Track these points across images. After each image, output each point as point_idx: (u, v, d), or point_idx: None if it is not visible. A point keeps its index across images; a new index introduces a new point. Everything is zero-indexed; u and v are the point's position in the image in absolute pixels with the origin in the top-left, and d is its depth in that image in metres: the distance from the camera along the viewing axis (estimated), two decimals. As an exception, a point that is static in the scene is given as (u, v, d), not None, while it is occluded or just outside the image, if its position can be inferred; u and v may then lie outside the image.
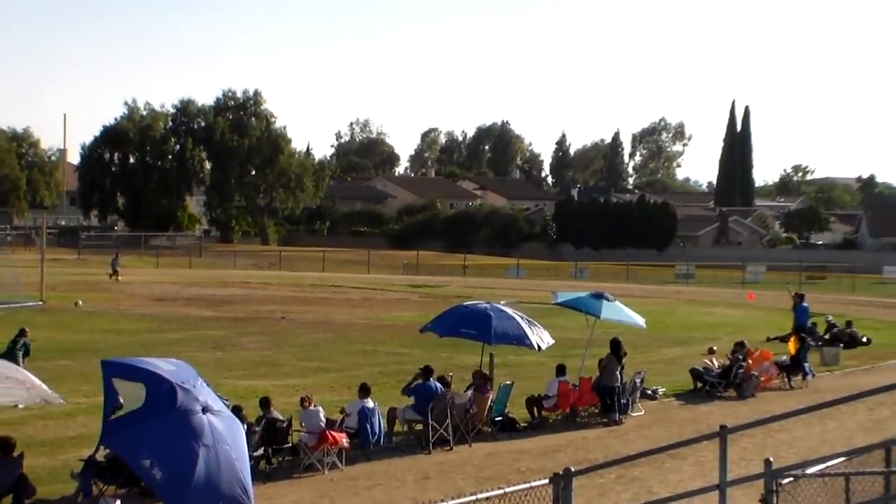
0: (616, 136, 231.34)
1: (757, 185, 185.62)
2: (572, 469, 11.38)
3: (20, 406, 18.55)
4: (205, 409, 15.20)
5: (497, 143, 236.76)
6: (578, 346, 30.53)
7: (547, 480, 11.24)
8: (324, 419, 20.27)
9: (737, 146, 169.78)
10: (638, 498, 17.33)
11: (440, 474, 19.84)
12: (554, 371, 26.02)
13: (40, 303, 48.58)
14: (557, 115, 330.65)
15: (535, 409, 25.12)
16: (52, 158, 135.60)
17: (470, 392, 23.39)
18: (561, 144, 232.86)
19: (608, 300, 27.94)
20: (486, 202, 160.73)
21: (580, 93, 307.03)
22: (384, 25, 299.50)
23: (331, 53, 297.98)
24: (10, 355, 25.58)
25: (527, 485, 11.24)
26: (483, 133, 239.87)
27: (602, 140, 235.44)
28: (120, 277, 68.35)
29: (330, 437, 19.78)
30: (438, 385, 22.65)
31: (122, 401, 15.46)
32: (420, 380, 22.76)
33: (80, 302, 50.09)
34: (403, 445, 22.03)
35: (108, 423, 15.60)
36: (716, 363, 30.67)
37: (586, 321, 27.84)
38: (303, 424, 20.24)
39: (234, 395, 22.86)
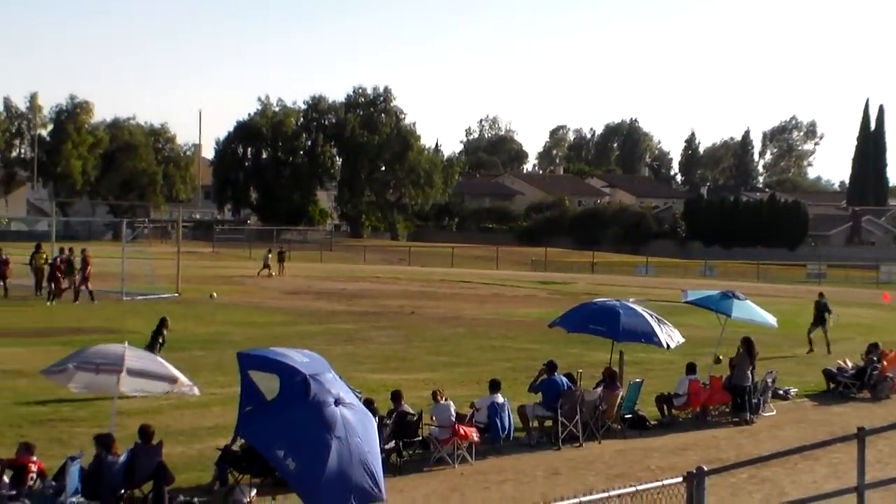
0: (746, 135, 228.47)
1: (891, 184, 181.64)
2: (705, 468, 11.34)
3: (159, 395, 18.96)
4: (337, 402, 15.40)
5: (625, 140, 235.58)
6: (708, 345, 30.30)
7: (680, 479, 11.22)
8: (454, 414, 20.42)
9: (870, 145, 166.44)
10: (770, 499, 17.18)
11: (570, 470, 19.85)
12: (684, 369, 25.83)
13: (176, 295, 49.59)
14: (687, 113, 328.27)
15: (665, 407, 24.98)
16: (188, 153, 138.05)
17: (600, 389, 23.35)
18: (690, 142, 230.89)
19: (739, 299, 27.69)
20: (615, 200, 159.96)
21: (710, 90, 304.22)
22: (514, 23, 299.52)
23: (461, 50, 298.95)
24: (151, 346, 26.20)
25: (659, 483, 11.22)
26: (611, 130, 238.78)
27: (732, 138, 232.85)
28: (273, 273, 68.78)
29: (460, 431, 19.91)
30: (564, 379, 22.65)
31: (258, 391, 15.75)
32: (545, 375, 22.78)
33: (215, 294, 50.99)
34: (533, 441, 22.06)
35: (244, 413, 15.90)
36: (849, 364, 30.19)
37: (717, 320, 27.60)
38: (433, 418, 20.40)
39: (365, 388, 23.10)
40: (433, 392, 21.31)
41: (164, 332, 27.75)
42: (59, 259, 46.66)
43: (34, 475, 15.45)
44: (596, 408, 22.71)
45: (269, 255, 70.64)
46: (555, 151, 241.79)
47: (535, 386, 22.85)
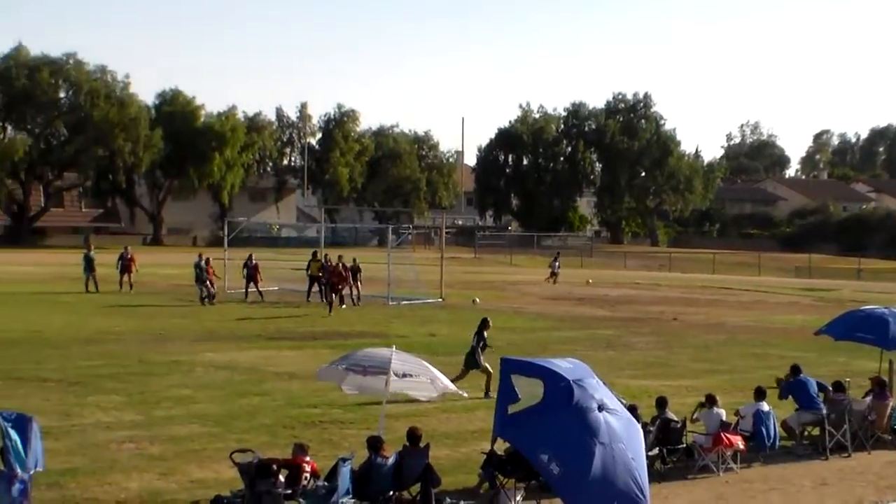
0: None
1: None
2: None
3: (425, 399, 19.38)
4: (601, 407, 15.48)
5: (892, 144, 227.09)
6: None
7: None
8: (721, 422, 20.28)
9: None
10: None
11: (838, 481, 19.40)
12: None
13: (440, 300, 50.51)
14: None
15: (940, 419, 24.09)
16: (451, 160, 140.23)
17: (868, 398, 22.73)
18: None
19: None
20: (881, 205, 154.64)
21: None
22: (774, 26, 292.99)
23: (722, 55, 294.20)
24: (474, 349, 26.78)
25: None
26: (877, 135, 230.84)
27: None
28: (556, 281, 69.09)
29: (725, 439, 19.73)
30: (813, 380, 22.21)
31: (519, 396, 15.96)
32: (790, 378, 22.41)
33: (477, 300, 51.65)
34: (799, 450, 21.65)
35: (505, 416, 16.14)
36: None
37: None
38: (703, 423, 20.31)
39: (627, 394, 23.07)
40: (708, 396, 21.10)
41: (484, 334, 27.97)
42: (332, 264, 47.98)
43: (308, 475, 15.97)
44: (865, 418, 22.11)
45: (557, 262, 71.07)
46: (818, 156, 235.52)
47: (783, 391, 22.48)
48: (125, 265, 50.50)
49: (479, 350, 26.95)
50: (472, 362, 26.78)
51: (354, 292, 47.82)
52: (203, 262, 47.07)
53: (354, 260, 48.93)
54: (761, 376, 28.13)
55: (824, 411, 21.59)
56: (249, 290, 48.81)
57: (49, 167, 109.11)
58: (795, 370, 22.58)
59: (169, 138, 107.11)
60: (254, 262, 49.31)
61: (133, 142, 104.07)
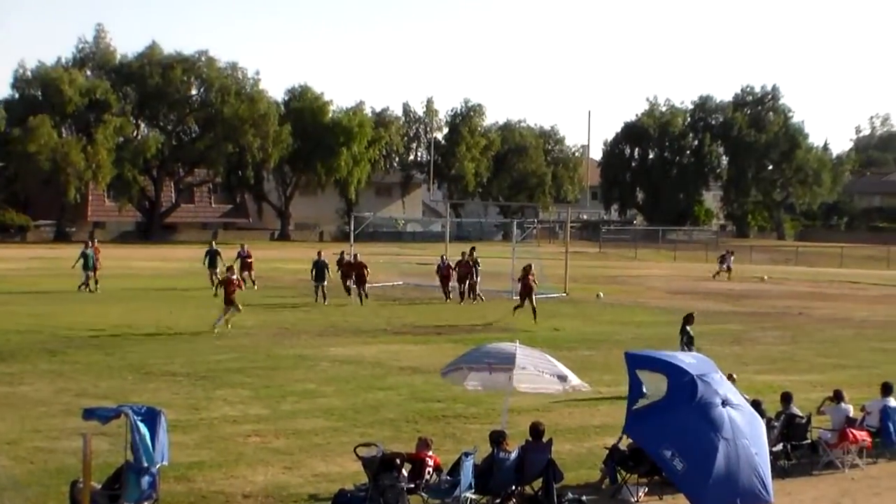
0: None
1: None
2: None
3: (549, 393, 19.41)
4: (724, 403, 15.44)
5: None
6: None
7: None
8: (847, 417, 20.04)
9: None
10: None
11: (966, 479, 19.06)
12: None
13: (564, 294, 50.49)
14: None
15: None
16: (576, 154, 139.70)
17: None
18: None
19: None
20: None
21: None
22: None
23: (851, 46, 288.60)
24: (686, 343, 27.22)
25: None
26: None
27: None
28: (729, 277, 68.30)
29: (850, 434, 19.48)
30: None
31: (646, 391, 15.96)
32: None
33: (602, 294, 51.49)
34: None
35: (632, 412, 16.16)
36: None
37: None
38: (830, 417, 20.10)
39: (752, 389, 22.89)
40: (835, 391, 20.87)
41: (688, 329, 28.03)
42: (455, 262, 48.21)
43: (431, 469, 16.14)
44: None
45: (731, 256, 70.84)
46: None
47: None
48: (244, 263, 49.80)
49: (686, 346, 26.94)
50: None
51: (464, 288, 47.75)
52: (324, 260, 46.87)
53: (468, 252, 49.10)
54: (889, 371, 27.71)
55: None
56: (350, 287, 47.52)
57: (180, 163, 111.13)
58: None
59: (297, 134, 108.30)
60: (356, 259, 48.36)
61: (262, 137, 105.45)
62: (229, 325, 34.93)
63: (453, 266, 48.08)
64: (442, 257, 49.50)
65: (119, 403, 16.74)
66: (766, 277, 68.30)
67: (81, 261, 47.56)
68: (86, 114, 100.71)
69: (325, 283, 45.53)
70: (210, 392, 24.43)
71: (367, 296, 46.00)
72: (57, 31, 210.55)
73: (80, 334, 33.58)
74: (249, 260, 50.45)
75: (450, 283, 47.87)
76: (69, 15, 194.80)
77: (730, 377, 27.00)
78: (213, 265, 50.05)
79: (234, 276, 36.80)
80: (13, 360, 28.15)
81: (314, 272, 45.81)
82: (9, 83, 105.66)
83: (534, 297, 41.20)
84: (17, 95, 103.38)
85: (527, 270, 41.92)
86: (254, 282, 50.02)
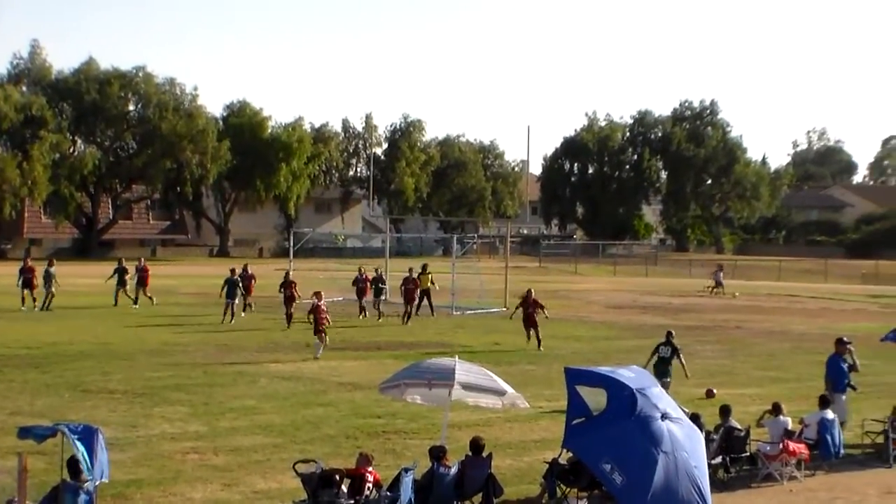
0: None
1: None
2: None
3: (489, 408, 19.40)
4: (664, 416, 15.47)
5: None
6: None
7: None
8: (785, 430, 20.20)
9: None
10: None
11: (904, 490, 19.23)
12: None
13: (504, 309, 50.45)
14: None
15: None
16: (516, 169, 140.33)
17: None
18: None
19: None
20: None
21: None
22: (842, 32, 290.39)
23: (788, 61, 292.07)
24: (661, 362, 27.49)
25: None
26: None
27: None
28: (723, 293, 68.45)
29: (789, 447, 19.61)
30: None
31: (584, 406, 15.96)
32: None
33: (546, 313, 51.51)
34: (862, 458, 21.46)
35: (571, 427, 16.16)
36: None
37: None
38: (768, 431, 20.26)
39: (691, 402, 23.01)
40: (774, 404, 21.05)
41: (661, 347, 28.03)
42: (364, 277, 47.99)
43: (370, 485, 16.06)
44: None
45: (721, 273, 71.24)
46: (886, 162, 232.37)
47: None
48: (141, 278, 49.69)
49: (667, 361, 27.47)
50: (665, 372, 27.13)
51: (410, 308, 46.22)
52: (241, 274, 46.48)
53: (377, 270, 49.10)
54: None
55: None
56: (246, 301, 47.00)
57: (118, 180, 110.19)
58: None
59: (236, 150, 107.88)
60: (249, 272, 47.80)
61: (201, 153, 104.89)
62: (319, 354, 33.78)
63: (370, 281, 47.72)
64: (360, 269, 49.17)
65: (55, 421, 16.53)
66: (736, 294, 68.28)
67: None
68: (21, 130, 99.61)
69: (236, 300, 44.50)
70: (148, 409, 24.20)
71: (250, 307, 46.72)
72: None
73: (14, 352, 33.15)
74: (146, 275, 50.01)
75: (364, 298, 47.36)
76: (3, 31, 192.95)
77: (709, 393, 27.35)
78: (121, 282, 49.61)
79: (323, 304, 35.19)
80: (-53, 379, 27.75)
81: (225, 288, 44.77)
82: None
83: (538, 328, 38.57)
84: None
85: (530, 293, 39.60)
86: (150, 297, 49.62)
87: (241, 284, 45.24)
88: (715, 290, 69.17)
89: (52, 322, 42.37)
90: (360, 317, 46.36)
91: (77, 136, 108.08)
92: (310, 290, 44.38)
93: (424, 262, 51.04)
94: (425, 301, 47.62)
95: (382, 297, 47.59)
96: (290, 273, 45.49)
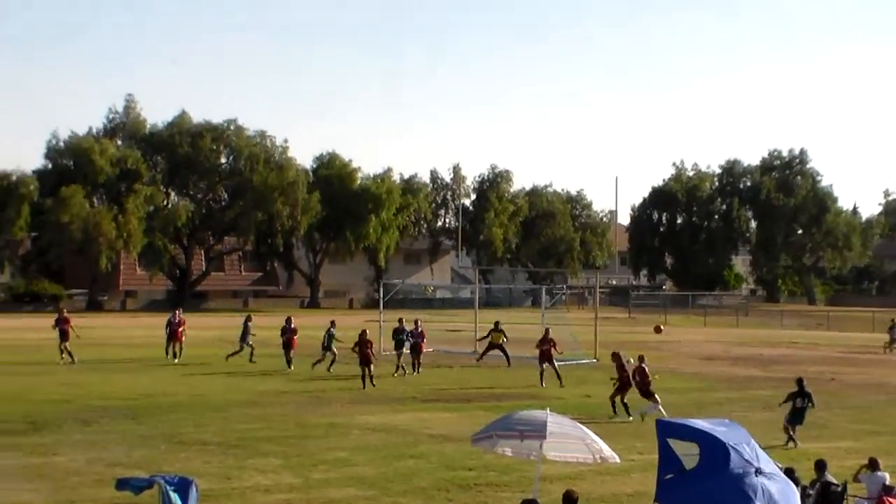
0: None
1: None
2: None
3: (580, 462, 19.37)
4: (758, 472, 15.32)
5: None
6: None
7: None
8: (884, 486, 19.89)
9: None
10: None
11: None
12: None
13: (594, 360, 50.36)
14: None
15: None
16: (604, 219, 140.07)
17: None
18: None
19: None
20: None
21: None
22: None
23: (879, 110, 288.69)
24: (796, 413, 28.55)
25: None
26: None
27: None
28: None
29: (887, 503, 19.32)
30: None
31: (677, 460, 15.88)
32: None
33: (632, 360, 51.21)
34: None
35: (664, 481, 16.06)
36: None
37: None
38: (865, 486, 19.97)
39: (785, 457, 22.78)
40: (871, 459, 20.75)
41: (797, 399, 28.66)
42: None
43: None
44: None
45: None
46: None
47: None
48: (173, 331, 48.80)
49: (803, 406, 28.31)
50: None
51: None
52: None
53: (400, 320, 47.50)
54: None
55: None
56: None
57: (210, 232, 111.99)
58: None
59: (326, 201, 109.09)
60: (292, 325, 47.19)
61: (291, 205, 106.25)
62: (643, 418, 32.70)
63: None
64: (288, 320, 47.66)
65: (152, 473, 16.80)
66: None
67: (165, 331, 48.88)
68: (117, 183, 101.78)
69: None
70: (242, 461, 24.45)
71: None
72: (88, 101, 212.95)
73: (112, 403, 33.72)
74: (179, 329, 48.96)
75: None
76: (100, 86, 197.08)
77: (657, 329, 27.49)
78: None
79: (646, 365, 34.12)
80: (47, 431, 28.27)
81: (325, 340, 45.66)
82: (42, 154, 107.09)
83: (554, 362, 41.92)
84: (49, 166, 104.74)
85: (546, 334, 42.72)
86: (179, 351, 48.84)
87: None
88: (890, 347, 65.33)
89: (147, 373, 43.04)
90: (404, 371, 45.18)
91: (170, 189, 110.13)
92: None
93: (496, 320, 50.99)
94: (497, 351, 47.92)
95: (404, 350, 45.75)
96: (368, 331, 43.99)
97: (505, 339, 48.31)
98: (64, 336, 46.73)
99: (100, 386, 38.22)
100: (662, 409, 31.55)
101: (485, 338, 48.82)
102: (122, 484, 15.19)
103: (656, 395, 33.27)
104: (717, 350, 62.38)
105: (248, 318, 49.27)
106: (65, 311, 50.00)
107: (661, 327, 29.77)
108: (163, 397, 35.56)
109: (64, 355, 46.40)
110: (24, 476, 22.30)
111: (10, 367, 44.54)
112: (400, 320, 47.21)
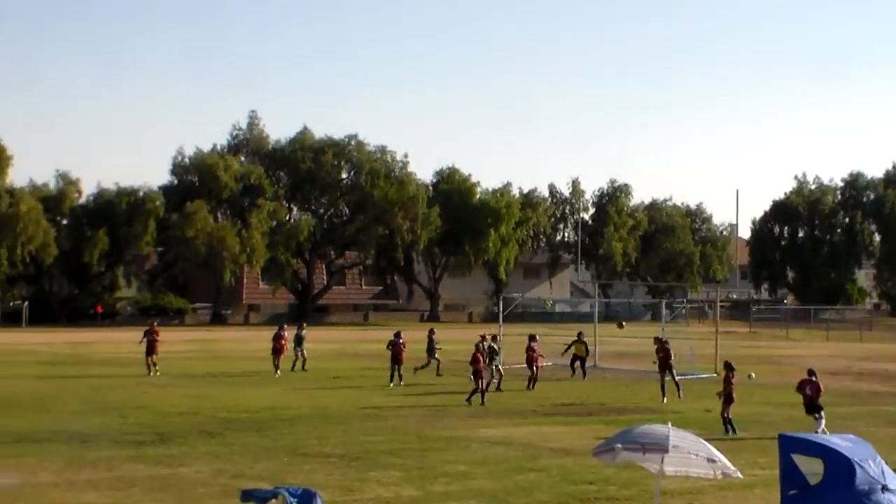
0: None
1: None
2: None
3: (701, 477, 19.27)
4: (884, 489, 15.14)
5: None
6: None
7: None
8: None
9: None
10: None
11: None
12: None
13: (714, 375, 49.82)
14: None
15: None
16: (724, 233, 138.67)
17: None
18: None
19: None
20: None
21: None
22: None
23: None
24: None
25: None
26: None
27: None
28: None
29: None
30: None
31: (800, 476, 15.73)
32: None
33: (753, 374, 50.60)
34: None
35: (787, 497, 15.93)
36: None
37: None
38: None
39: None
40: None
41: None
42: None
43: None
44: None
45: None
46: None
47: None
48: (150, 344, 47.61)
49: None
50: None
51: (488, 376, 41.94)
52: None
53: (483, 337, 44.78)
54: None
55: None
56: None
57: (332, 246, 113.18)
58: None
59: (446, 215, 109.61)
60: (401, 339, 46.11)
61: (411, 220, 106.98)
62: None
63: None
64: (397, 333, 46.82)
65: (275, 485, 17.09)
66: None
67: (292, 343, 49.95)
68: (240, 199, 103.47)
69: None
70: (363, 473, 24.70)
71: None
72: (212, 119, 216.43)
73: (236, 416, 34.29)
74: (155, 342, 47.77)
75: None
76: (224, 103, 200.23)
77: (619, 324, 27.15)
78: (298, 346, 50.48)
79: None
80: (173, 442, 28.85)
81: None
82: (168, 170, 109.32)
83: (674, 372, 42.24)
84: (175, 182, 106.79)
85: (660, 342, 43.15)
86: (152, 365, 47.68)
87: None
88: None
89: (271, 386, 43.70)
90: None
91: (292, 204, 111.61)
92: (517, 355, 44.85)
93: (580, 331, 51.02)
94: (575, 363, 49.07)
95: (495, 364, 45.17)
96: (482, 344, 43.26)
97: (587, 352, 48.52)
98: (151, 349, 47.24)
99: (224, 398, 38.89)
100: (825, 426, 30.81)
101: (568, 349, 49.18)
102: (246, 495, 15.48)
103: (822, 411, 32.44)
104: (840, 365, 61.32)
105: (432, 332, 50.19)
106: (155, 324, 50.46)
107: (623, 323, 30.83)
108: (285, 410, 36.07)
109: (153, 368, 47.05)
110: (152, 486, 22.79)
111: (137, 378, 45.53)
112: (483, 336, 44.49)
